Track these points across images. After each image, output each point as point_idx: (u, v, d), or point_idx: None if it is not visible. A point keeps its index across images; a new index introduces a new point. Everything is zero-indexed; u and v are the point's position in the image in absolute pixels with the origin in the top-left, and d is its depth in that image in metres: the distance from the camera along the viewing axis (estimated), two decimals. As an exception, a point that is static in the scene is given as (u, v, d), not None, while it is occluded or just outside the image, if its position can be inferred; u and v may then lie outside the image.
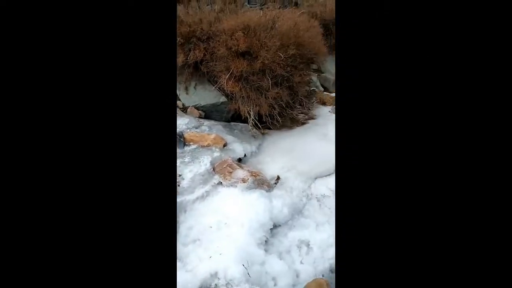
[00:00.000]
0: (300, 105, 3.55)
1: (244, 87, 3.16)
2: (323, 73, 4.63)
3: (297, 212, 2.45)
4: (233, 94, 3.23)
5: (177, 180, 2.40)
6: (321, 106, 4.04)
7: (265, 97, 3.14)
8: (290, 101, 3.35)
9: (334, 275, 2.00)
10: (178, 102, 3.34)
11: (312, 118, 3.70)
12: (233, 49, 3.10)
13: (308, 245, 2.18)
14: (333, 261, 2.10)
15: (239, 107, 3.19)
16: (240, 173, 2.56)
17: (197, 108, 3.34)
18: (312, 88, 4.02)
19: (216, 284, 1.77)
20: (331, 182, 2.70)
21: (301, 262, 2.07)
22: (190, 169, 2.56)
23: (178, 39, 3.13)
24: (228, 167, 2.59)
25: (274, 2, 4.91)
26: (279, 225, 2.33)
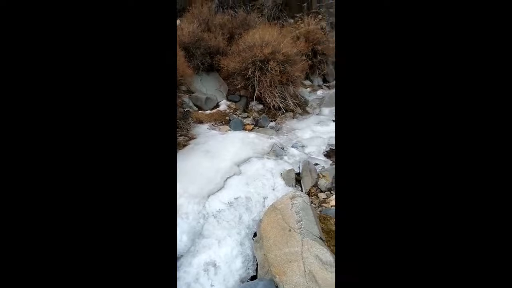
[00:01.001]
0: (178, 127, 3.51)
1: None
2: (193, 93, 4.73)
3: (197, 235, 2.39)
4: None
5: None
6: (198, 124, 4.11)
7: (138, 127, 2.95)
8: (166, 126, 3.26)
9: (244, 284, 2.06)
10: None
11: (193, 138, 3.71)
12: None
13: (214, 265, 2.16)
14: (241, 271, 2.16)
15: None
16: (126, 214, 2.29)
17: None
18: (187, 109, 4.04)
19: None
20: (223, 196, 2.77)
21: (211, 285, 2.03)
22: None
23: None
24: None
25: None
26: (182, 255, 2.22)
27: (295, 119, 4.72)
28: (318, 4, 6.64)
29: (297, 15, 6.69)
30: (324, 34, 6.32)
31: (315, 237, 2.15)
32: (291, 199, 2.49)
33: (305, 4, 6.68)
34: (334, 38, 6.37)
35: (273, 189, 2.95)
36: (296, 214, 2.32)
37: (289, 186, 3.02)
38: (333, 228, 2.45)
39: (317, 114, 4.97)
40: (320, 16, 6.47)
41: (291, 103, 4.76)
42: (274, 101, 4.62)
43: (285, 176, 3.11)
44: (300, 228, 2.20)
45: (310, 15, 6.42)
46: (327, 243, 2.25)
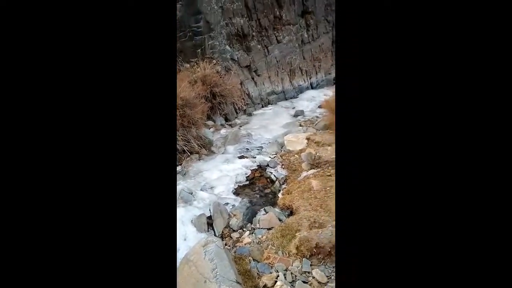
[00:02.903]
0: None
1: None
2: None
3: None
4: None
5: None
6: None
7: None
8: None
9: None
10: None
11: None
12: None
13: None
14: None
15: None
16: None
17: None
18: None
19: None
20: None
21: None
22: None
23: None
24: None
25: None
26: None
27: (201, 160, 4.71)
28: (211, 50, 7.09)
29: (192, 60, 6.95)
30: (220, 77, 6.73)
31: (232, 282, 2.11)
32: (203, 246, 2.41)
33: (199, 50, 7.05)
34: (230, 80, 6.86)
35: (185, 239, 2.80)
36: (210, 262, 2.25)
37: (201, 232, 2.93)
38: (249, 267, 2.46)
39: (222, 153, 5.10)
40: (214, 61, 6.90)
41: (195, 145, 4.76)
42: (178, 144, 4.54)
43: (196, 222, 3.01)
44: (215, 277, 2.13)
45: (205, 60, 6.77)
46: (244, 284, 2.23)
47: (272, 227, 2.96)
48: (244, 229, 3.08)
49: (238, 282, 2.15)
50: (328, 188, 3.29)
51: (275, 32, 8.49)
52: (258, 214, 3.31)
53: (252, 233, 3.00)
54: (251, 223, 3.15)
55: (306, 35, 9.45)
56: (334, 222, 2.65)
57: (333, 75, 10.76)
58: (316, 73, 10.14)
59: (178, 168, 4.37)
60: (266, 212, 3.28)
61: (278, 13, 8.29)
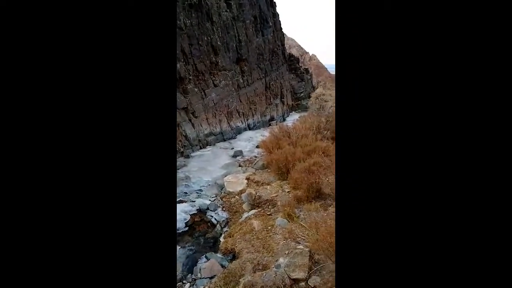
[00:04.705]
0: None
1: None
2: None
3: None
4: None
5: None
6: None
7: None
8: None
9: None
10: None
11: None
12: None
13: None
14: None
15: None
16: None
17: None
18: None
19: None
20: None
21: None
22: None
23: None
24: None
25: None
26: None
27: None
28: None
29: (126, 101, 6.71)
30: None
31: None
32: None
33: (133, 91, 6.86)
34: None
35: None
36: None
37: (134, 291, 2.59)
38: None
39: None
40: (150, 103, 6.76)
41: (128, 191, 4.39)
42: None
43: (127, 280, 2.67)
44: None
45: (140, 102, 6.59)
46: None
47: (215, 275, 2.80)
48: (184, 281, 2.83)
49: None
50: (269, 228, 3.31)
51: (211, 76, 8.83)
52: (199, 262, 3.11)
53: (193, 284, 2.77)
54: (192, 273, 2.92)
55: (241, 80, 10.03)
56: (276, 263, 2.64)
57: (268, 116, 11.46)
58: (253, 115, 10.67)
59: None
60: (208, 259, 3.10)
61: (214, 59, 8.71)
